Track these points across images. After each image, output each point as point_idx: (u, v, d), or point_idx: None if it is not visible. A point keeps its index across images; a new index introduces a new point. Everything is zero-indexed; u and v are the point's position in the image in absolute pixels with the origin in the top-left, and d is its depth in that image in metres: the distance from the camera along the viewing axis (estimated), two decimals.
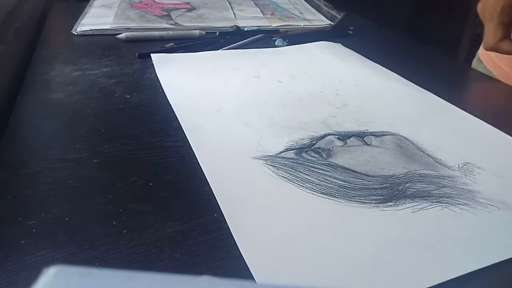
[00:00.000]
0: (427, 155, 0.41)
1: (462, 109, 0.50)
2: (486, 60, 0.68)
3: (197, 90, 0.53)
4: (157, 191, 0.35)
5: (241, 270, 0.28)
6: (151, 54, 0.62)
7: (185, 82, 0.55)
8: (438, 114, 0.50)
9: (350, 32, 0.78)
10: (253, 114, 0.47)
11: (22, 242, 0.29)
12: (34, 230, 0.30)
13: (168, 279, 0.12)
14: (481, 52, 0.69)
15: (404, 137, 0.44)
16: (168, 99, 0.50)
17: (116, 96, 0.51)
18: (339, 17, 0.81)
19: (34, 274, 0.27)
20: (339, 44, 0.71)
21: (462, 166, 0.39)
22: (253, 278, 0.27)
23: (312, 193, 0.35)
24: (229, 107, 0.49)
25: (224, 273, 0.27)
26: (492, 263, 0.29)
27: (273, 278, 0.27)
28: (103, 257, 0.28)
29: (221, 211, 0.33)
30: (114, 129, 0.44)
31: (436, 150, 0.42)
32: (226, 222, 0.31)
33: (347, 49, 0.69)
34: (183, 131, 0.43)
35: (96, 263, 0.28)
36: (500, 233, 0.32)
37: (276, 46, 0.70)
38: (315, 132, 0.44)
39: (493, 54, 0.63)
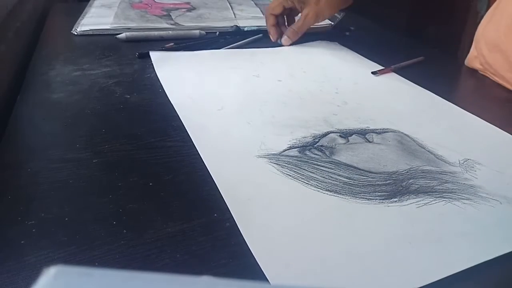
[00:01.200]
0: (428, 151, 0.41)
1: (461, 107, 0.50)
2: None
3: (197, 89, 0.53)
4: (157, 191, 0.35)
5: (241, 270, 0.28)
6: (150, 52, 0.62)
7: (185, 81, 0.55)
8: (437, 111, 0.50)
9: (348, 33, 0.78)
10: (254, 113, 0.48)
11: (22, 242, 0.29)
12: (34, 230, 0.30)
13: (168, 279, 0.12)
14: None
15: (405, 134, 0.44)
16: (169, 98, 0.50)
17: (116, 96, 0.51)
18: (339, 17, 0.81)
19: (34, 274, 0.27)
20: (336, 43, 0.71)
21: (462, 162, 0.40)
22: (252, 278, 0.27)
23: (318, 191, 0.35)
24: (231, 106, 0.49)
25: (224, 273, 0.28)
26: (496, 255, 0.29)
27: (283, 274, 0.27)
28: (103, 257, 0.28)
29: (221, 211, 0.33)
30: (114, 129, 0.44)
31: (437, 147, 0.42)
32: (226, 222, 0.31)
33: (344, 48, 0.69)
34: (183, 131, 0.43)
35: (96, 263, 0.28)
36: (503, 226, 0.32)
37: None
38: (317, 130, 0.44)
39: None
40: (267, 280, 0.26)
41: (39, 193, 0.34)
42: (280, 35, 0.70)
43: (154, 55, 0.61)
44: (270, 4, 0.71)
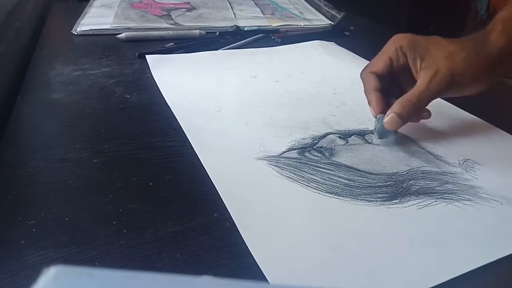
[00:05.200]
0: (427, 152, 0.41)
1: (460, 108, 0.50)
2: None
3: (195, 91, 0.53)
4: (157, 191, 0.35)
5: (241, 270, 0.28)
6: (146, 56, 0.62)
7: (182, 83, 0.55)
8: (437, 112, 0.50)
9: (347, 33, 0.78)
10: (252, 114, 0.47)
11: (22, 242, 0.29)
12: (34, 230, 0.30)
13: (168, 279, 0.12)
14: None
15: (405, 135, 0.44)
16: (166, 100, 0.50)
17: (116, 96, 0.51)
18: (339, 16, 0.81)
19: (34, 274, 0.27)
20: (333, 43, 0.71)
21: (462, 162, 0.40)
22: (252, 278, 0.27)
23: (318, 193, 0.35)
24: (229, 107, 0.49)
25: (224, 273, 0.28)
26: (499, 257, 0.29)
27: (283, 277, 0.27)
28: (103, 257, 0.28)
29: (221, 211, 0.33)
30: (114, 129, 0.44)
31: (436, 147, 0.42)
32: (226, 222, 0.31)
33: (341, 48, 0.69)
34: (183, 131, 0.43)
35: (96, 263, 0.28)
36: (505, 227, 0.32)
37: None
38: (316, 131, 0.44)
39: None
40: (267, 280, 0.26)
41: (39, 193, 0.34)
42: (385, 109, 0.42)
43: (151, 58, 0.61)
44: (371, 61, 0.46)
